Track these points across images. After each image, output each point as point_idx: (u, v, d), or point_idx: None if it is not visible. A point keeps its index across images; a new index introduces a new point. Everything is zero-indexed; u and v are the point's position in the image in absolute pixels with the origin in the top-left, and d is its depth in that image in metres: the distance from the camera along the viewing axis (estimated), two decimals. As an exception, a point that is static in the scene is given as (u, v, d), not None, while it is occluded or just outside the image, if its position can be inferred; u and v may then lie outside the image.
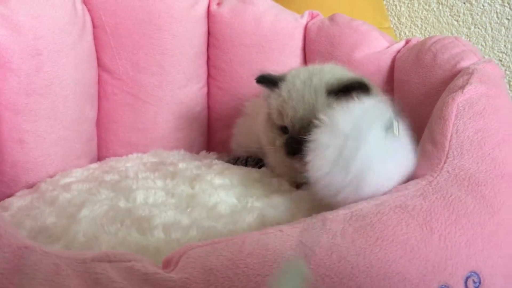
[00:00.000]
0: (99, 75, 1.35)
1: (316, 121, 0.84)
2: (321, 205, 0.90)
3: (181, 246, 0.58)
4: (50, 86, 1.13)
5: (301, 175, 0.99)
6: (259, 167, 1.11)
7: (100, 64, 1.34)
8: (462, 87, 0.85)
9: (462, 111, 0.81)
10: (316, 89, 0.96)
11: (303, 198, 0.91)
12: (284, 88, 1.00)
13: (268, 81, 1.03)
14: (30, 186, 1.13)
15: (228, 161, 1.22)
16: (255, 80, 1.04)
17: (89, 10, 1.29)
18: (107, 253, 0.54)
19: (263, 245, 0.56)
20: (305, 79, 0.99)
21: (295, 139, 0.95)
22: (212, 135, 1.58)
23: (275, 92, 1.01)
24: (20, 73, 1.07)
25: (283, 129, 1.00)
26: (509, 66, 1.68)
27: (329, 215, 0.64)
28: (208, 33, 1.46)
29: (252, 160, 1.19)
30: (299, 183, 1.03)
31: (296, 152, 0.93)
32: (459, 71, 0.96)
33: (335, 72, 1.02)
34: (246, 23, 1.41)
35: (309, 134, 0.89)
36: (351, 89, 0.92)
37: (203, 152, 1.46)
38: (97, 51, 1.33)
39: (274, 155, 1.05)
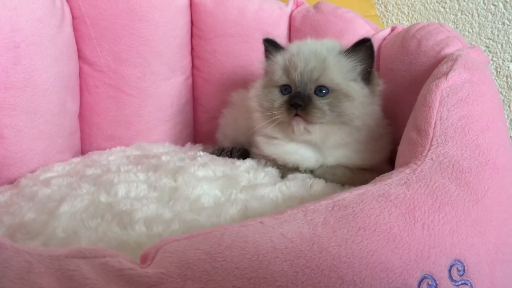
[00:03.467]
0: (80, 68, 1.32)
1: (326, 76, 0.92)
2: (305, 195, 0.90)
3: (162, 240, 0.56)
4: (29, 79, 1.11)
5: (295, 137, 0.99)
6: (244, 158, 1.09)
7: (80, 56, 1.32)
8: (446, 74, 0.84)
9: (446, 98, 0.80)
10: (328, 47, 0.99)
11: (287, 189, 0.90)
12: (292, 47, 1.01)
13: (274, 44, 1.04)
14: (12, 181, 1.11)
15: (212, 153, 1.21)
16: (263, 40, 1.04)
17: (68, 1, 1.26)
18: (81, 249, 0.52)
19: (242, 237, 0.55)
20: (315, 41, 1.02)
21: (300, 94, 0.94)
22: (198, 127, 1.56)
23: (280, 52, 1.02)
24: (-3, 66, 1.04)
25: (284, 90, 0.99)
26: (496, 52, 1.67)
27: (311, 205, 0.63)
28: (192, 23, 1.44)
29: (237, 151, 1.17)
30: (284, 172, 1.02)
31: (300, 108, 0.93)
32: (444, 58, 0.95)
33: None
34: (230, 12, 1.39)
35: (315, 91, 0.95)
36: (361, 45, 0.96)
37: (189, 144, 1.44)
38: (77, 43, 1.30)
39: (268, 122, 1.00)
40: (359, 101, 0.95)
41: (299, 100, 0.93)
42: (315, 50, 0.98)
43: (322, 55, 0.96)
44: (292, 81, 0.97)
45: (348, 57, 0.97)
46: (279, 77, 0.99)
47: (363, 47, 0.96)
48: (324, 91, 0.95)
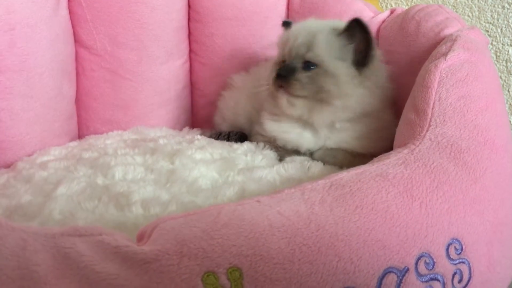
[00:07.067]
0: (76, 51, 1.31)
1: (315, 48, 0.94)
2: (303, 177, 0.89)
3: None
4: (25, 62, 1.09)
5: (282, 111, 1.01)
6: (241, 142, 1.09)
7: (76, 40, 1.30)
8: (445, 54, 0.83)
9: (445, 78, 0.79)
10: (322, 24, 1.01)
11: (284, 171, 0.90)
12: (293, 26, 1.05)
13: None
14: (8, 165, 1.11)
15: (210, 137, 1.20)
16: (282, 24, 1.10)
17: (63, -17, 1.24)
18: (77, 227, 0.52)
19: (239, 216, 0.54)
20: (315, 20, 1.05)
21: (287, 66, 0.97)
22: (196, 112, 1.54)
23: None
24: (-8, 49, 1.03)
25: (281, 65, 1.01)
26: (496, 36, 1.66)
27: (308, 185, 0.62)
28: (189, 6, 1.41)
29: (234, 135, 1.17)
30: (282, 154, 1.01)
31: (283, 79, 0.96)
32: (443, 39, 0.94)
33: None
34: (227, -6, 1.37)
35: (304, 67, 0.95)
36: (356, 27, 0.93)
37: (186, 129, 1.43)
38: (73, 25, 1.28)
39: (267, 94, 1.05)
40: (342, 80, 0.93)
41: (283, 71, 0.96)
42: (309, 27, 1.00)
43: (312, 32, 0.97)
44: (285, 56, 1.00)
45: (340, 36, 0.95)
46: (279, 54, 1.04)
47: (355, 27, 0.94)
48: (312, 67, 0.95)
